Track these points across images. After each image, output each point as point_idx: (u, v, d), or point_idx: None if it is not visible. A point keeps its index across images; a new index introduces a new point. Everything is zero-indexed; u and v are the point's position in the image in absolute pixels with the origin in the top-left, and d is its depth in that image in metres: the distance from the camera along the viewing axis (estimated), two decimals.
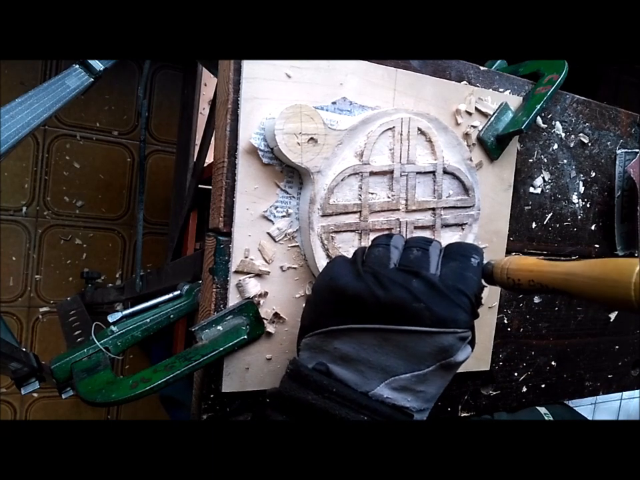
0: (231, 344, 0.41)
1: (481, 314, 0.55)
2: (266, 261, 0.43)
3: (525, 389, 0.62)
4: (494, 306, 0.56)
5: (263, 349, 0.44)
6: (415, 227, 0.47)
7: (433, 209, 0.48)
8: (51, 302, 1.32)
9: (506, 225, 0.55)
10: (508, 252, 0.56)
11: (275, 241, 0.44)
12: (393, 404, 0.31)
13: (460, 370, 0.55)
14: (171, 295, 0.57)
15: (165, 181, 1.41)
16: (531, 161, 0.57)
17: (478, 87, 0.51)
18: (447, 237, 0.49)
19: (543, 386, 0.64)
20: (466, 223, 0.50)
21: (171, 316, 0.54)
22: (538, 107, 0.49)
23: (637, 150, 0.64)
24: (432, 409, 0.34)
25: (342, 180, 0.43)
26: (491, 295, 0.54)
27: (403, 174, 0.46)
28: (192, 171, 0.89)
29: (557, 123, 0.58)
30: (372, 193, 0.45)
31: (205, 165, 0.81)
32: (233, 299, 0.43)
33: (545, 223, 0.59)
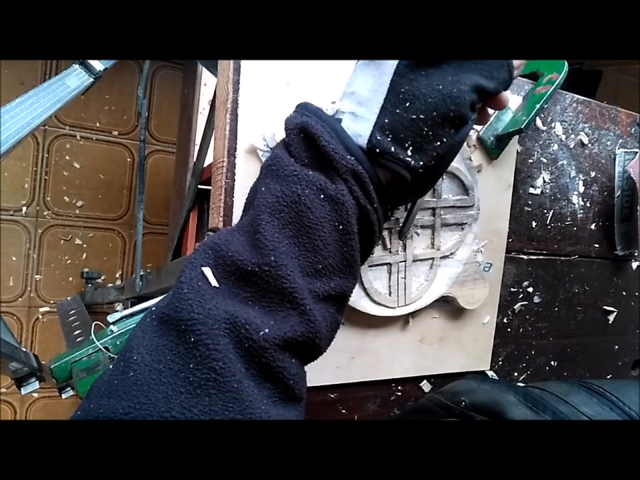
0: None
1: (481, 314, 0.56)
2: None
3: None
4: (494, 306, 0.56)
5: None
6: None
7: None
8: (51, 302, 1.32)
9: (506, 225, 0.55)
10: (508, 252, 0.56)
11: None
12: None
13: (459, 370, 0.56)
14: None
15: (165, 181, 1.41)
16: (530, 161, 0.57)
17: None
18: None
19: None
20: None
21: None
22: (538, 106, 0.49)
23: (636, 150, 0.64)
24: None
25: None
26: (490, 295, 0.54)
27: None
28: (192, 171, 0.89)
29: (557, 122, 0.58)
30: None
31: (205, 165, 0.81)
32: None
33: (544, 222, 0.59)
